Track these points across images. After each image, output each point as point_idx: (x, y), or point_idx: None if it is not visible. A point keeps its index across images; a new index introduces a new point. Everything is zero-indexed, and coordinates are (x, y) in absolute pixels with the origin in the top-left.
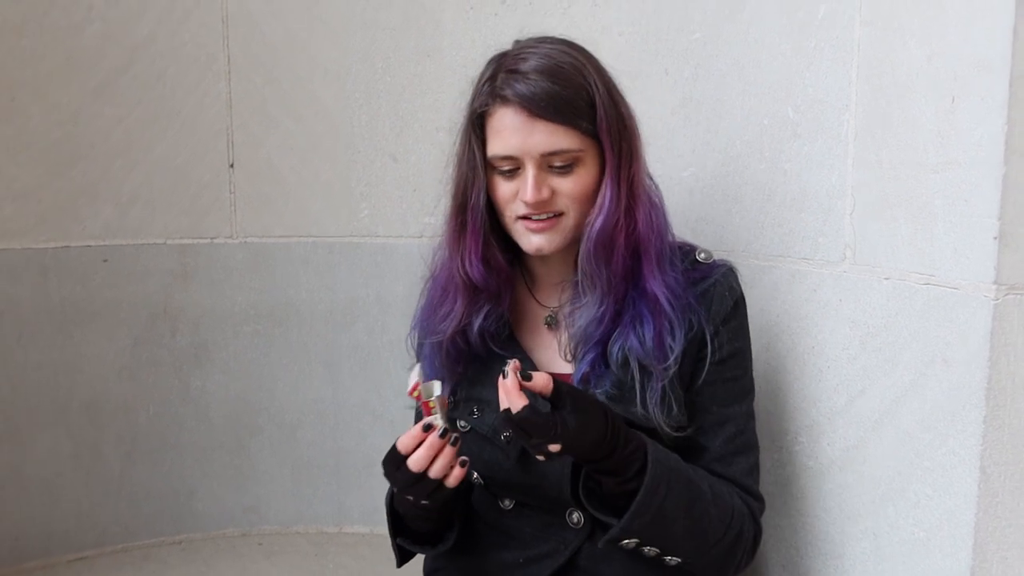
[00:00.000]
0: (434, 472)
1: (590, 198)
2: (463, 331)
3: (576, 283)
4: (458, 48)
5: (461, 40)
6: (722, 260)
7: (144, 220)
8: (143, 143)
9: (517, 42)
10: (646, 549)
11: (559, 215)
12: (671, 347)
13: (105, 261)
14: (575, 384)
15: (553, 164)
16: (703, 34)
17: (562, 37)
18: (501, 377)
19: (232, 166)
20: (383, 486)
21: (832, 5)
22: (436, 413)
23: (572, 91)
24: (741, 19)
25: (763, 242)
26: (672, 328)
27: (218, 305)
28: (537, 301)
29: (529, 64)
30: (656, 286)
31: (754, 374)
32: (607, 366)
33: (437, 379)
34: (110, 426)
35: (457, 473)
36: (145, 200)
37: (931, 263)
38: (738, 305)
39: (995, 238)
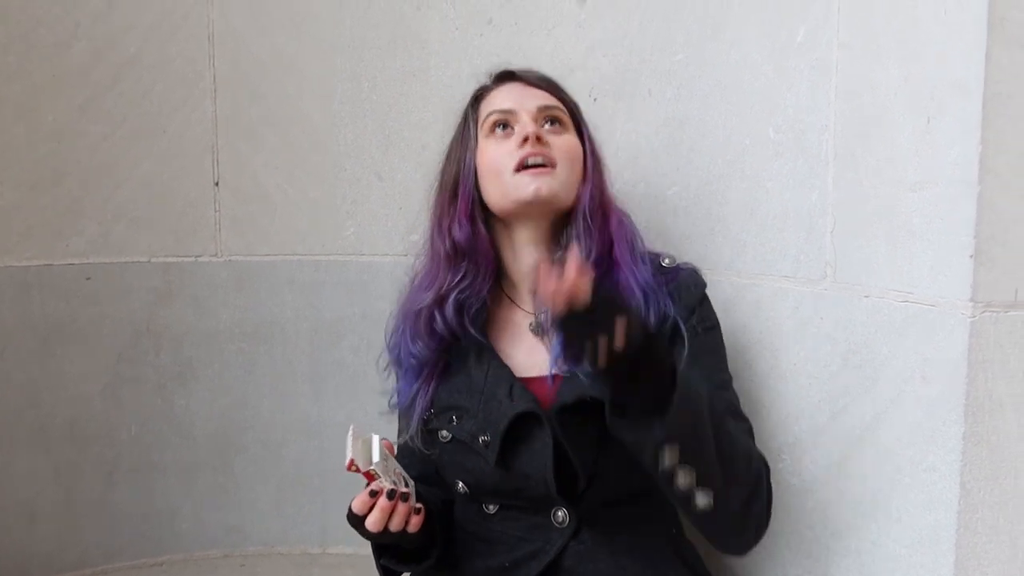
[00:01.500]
0: (393, 527)
1: (576, 163)
2: (440, 307)
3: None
4: (444, 68)
5: (447, 60)
6: (685, 263)
7: (128, 238)
8: (128, 161)
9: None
10: (682, 475)
11: (553, 166)
12: None
13: (88, 279)
14: (554, 365)
15: (545, 120)
16: (686, 55)
17: None
18: (550, 268)
19: (217, 184)
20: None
21: (811, 28)
22: (379, 478)
23: (560, 86)
24: (723, 41)
25: (745, 260)
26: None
27: (202, 323)
28: (518, 306)
29: (518, 67)
30: (628, 275)
31: (737, 391)
32: None
33: (372, 435)
34: (92, 445)
35: (416, 520)
36: (130, 218)
37: (909, 281)
38: (705, 295)
39: (971, 256)
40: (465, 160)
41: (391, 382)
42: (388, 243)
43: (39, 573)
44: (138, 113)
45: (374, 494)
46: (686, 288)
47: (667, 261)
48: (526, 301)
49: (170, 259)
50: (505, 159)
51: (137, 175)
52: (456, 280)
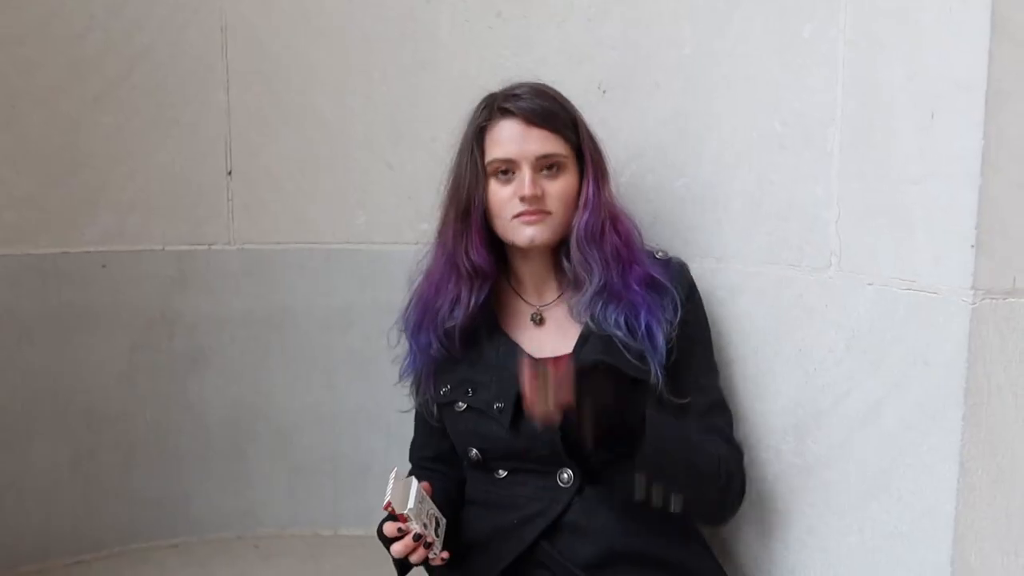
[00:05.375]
0: (413, 560)
1: (572, 202)
2: (458, 308)
3: (560, 281)
4: (454, 60)
5: (456, 52)
6: (676, 258)
7: (143, 227)
8: (142, 151)
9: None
10: (655, 492)
11: (548, 213)
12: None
13: (104, 267)
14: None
15: (544, 167)
16: (693, 49)
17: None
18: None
19: (230, 174)
20: (378, 490)
21: (817, 25)
22: (410, 521)
23: (558, 108)
24: (730, 36)
25: (752, 249)
26: (659, 320)
27: (215, 311)
28: (523, 299)
29: (522, 90)
30: (634, 297)
31: (743, 376)
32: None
33: (411, 479)
34: (108, 431)
35: (438, 561)
36: (144, 207)
37: (912, 270)
38: (693, 289)
39: (972, 246)
40: (476, 194)
41: (401, 348)
42: (398, 232)
43: (57, 555)
44: (152, 104)
45: (403, 532)
46: (678, 282)
47: (660, 255)
48: (529, 294)
49: (184, 247)
50: (506, 205)
51: (151, 165)
52: (478, 298)
